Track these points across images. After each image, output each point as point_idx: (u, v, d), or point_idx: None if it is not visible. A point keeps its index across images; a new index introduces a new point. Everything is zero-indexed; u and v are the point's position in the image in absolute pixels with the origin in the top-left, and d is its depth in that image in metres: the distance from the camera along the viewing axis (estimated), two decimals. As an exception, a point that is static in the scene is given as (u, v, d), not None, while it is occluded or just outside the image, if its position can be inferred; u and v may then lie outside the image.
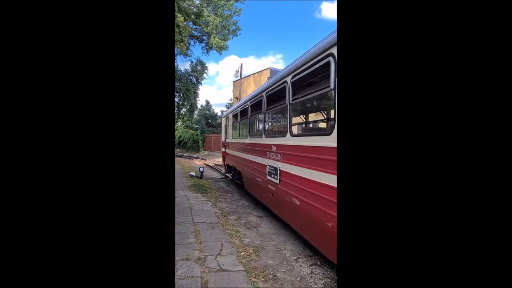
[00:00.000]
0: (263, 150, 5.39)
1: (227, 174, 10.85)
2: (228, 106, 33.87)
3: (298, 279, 3.24)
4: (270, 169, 4.91)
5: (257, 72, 26.50)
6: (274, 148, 4.75)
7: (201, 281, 2.94)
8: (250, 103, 6.74)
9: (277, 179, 4.52)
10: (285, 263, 3.64)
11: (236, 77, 25.62)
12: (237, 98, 25.59)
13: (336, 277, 3.28)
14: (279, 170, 4.42)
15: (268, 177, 4.99)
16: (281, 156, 4.42)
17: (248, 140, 6.77)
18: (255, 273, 3.25)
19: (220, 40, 15.56)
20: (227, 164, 10.38)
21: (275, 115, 6.84)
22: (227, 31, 16.53)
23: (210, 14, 15.17)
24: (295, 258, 3.82)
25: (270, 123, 6.69)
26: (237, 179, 8.65)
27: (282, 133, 5.39)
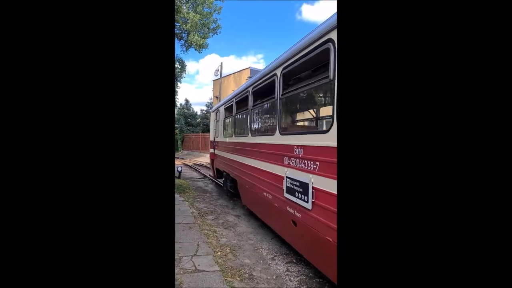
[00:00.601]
0: (277, 154, 3.65)
1: (216, 180, 9.39)
2: (208, 105, 33.50)
3: (274, 277, 3.26)
4: (291, 183, 3.19)
5: (237, 72, 26.45)
6: (299, 152, 3.05)
7: (175, 282, 2.88)
8: (252, 89, 4.90)
9: (307, 202, 2.82)
10: (261, 261, 3.66)
11: (216, 76, 25.41)
12: (217, 97, 25.37)
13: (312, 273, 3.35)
14: (313, 188, 2.73)
15: (287, 196, 3.29)
16: (316, 165, 2.70)
17: (248, 139, 5.02)
18: (231, 273, 3.23)
19: (199, 38, 15.33)
20: (216, 168, 8.45)
21: (300, 102, 5.04)
22: (207, 29, 16.32)
23: (190, 11, 14.91)
24: (272, 256, 3.84)
25: (290, 115, 5.02)
26: (230, 187, 6.91)
27: (318, 128, 4.18)
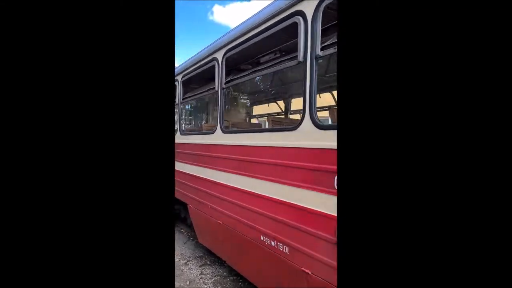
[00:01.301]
0: (310, 170, 1.91)
1: None
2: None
3: (188, 283, 3.15)
4: None
5: (144, 67, 24.39)
6: None
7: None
8: (225, 53, 2.88)
9: None
10: (173, 269, 3.48)
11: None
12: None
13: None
14: None
15: None
16: None
17: (216, 139, 3.05)
18: (139, 286, 2.94)
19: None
20: None
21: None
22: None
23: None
24: (185, 261, 3.70)
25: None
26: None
27: None
